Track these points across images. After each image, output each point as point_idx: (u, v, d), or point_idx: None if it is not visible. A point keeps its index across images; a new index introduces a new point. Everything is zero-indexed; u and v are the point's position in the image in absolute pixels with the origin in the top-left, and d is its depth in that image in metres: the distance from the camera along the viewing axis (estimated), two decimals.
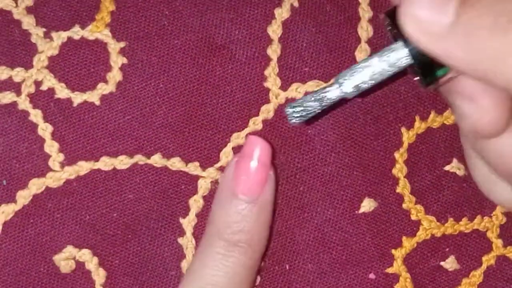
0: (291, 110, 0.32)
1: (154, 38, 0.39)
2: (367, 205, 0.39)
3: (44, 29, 0.38)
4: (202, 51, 0.39)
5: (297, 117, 0.33)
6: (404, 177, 0.40)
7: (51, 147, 0.38)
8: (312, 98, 0.32)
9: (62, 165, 0.38)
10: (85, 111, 0.38)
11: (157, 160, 0.39)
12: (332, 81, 0.33)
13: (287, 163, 0.39)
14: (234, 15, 0.39)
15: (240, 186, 0.36)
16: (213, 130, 0.39)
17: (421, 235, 0.40)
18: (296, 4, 0.39)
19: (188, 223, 0.39)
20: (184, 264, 0.39)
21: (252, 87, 0.39)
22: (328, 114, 0.39)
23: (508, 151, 0.32)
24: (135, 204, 0.38)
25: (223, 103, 0.39)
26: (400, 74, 0.32)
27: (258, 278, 0.39)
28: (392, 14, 0.30)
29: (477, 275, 0.40)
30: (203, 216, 0.39)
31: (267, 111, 0.39)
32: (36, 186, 0.38)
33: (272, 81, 0.39)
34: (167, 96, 0.39)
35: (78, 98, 0.38)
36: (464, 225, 0.40)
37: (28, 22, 0.38)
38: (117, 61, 0.39)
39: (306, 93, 0.39)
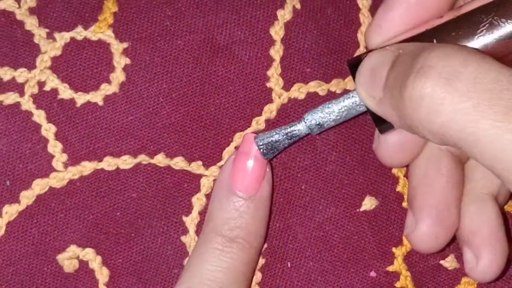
0: (261, 144, 0.36)
1: (157, 38, 0.38)
2: (368, 203, 0.39)
3: (47, 30, 0.38)
4: (205, 52, 0.38)
5: (267, 151, 0.36)
6: (404, 176, 0.40)
7: (55, 147, 0.37)
8: (280, 133, 0.36)
9: (66, 165, 0.37)
10: (88, 112, 0.38)
11: (160, 159, 0.38)
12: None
13: (289, 162, 0.39)
14: (236, 16, 0.39)
15: (237, 183, 0.36)
16: (216, 130, 0.39)
17: None
18: (298, 6, 0.39)
19: (191, 221, 0.38)
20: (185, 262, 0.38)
21: (254, 87, 0.39)
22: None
23: (416, 176, 0.36)
24: (138, 203, 0.38)
25: (226, 103, 0.39)
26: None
27: (260, 275, 0.39)
28: (355, 64, 0.34)
29: None
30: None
31: (270, 111, 0.39)
32: (39, 186, 0.37)
33: (275, 81, 0.39)
34: (170, 96, 0.38)
35: (81, 98, 0.38)
36: None
37: (31, 23, 0.38)
38: (120, 61, 0.38)
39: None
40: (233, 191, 0.36)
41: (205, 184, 0.38)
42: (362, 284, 0.39)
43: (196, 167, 0.38)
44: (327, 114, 0.35)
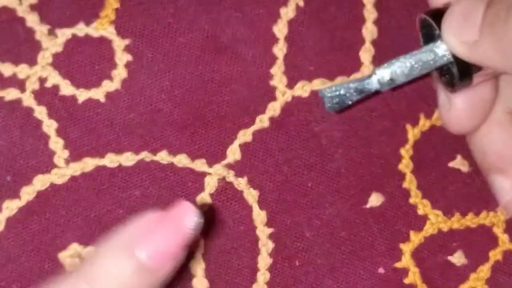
0: (328, 96, 0.35)
1: (159, 35, 0.40)
2: (375, 199, 0.40)
3: (48, 26, 0.39)
4: (208, 49, 0.40)
5: (332, 104, 0.35)
6: (411, 172, 0.41)
7: (56, 143, 0.38)
8: (348, 87, 0.35)
9: (67, 161, 0.38)
10: (90, 108, 0.39)
11: (163, 156, 0.39)
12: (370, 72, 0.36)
13: (294, 160, 0.40)
14: (240, 14, 0.40)
15: (141, 244, 0.29)
16: (219, 127, 0.40)
17: (428, 229, 0.40)
18: (301, 3, 0.41)
19: None
20: (191, 263, 0.39)
21: (258, 85, 0.40)
22: (333, 112, 0.40)
23: (484, 146, 0.36)
24: (141, 201, 0.39)
25: (229, 101, 0.40)
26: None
27: (268, 275, 0.39)
28: (434, 16, 0.34)
29: (484, 270, 0.41)
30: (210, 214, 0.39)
31: (274, 108, 0.40)
32: (40, 182, 0.38)
33: (278, 79, 0.40)
34: (173, 93, 0.39)
35: (83, 95, 0.39)
36: (470, 220, 0.41)
37: (32, 20, 0.39)
38: (122, 58, 0.39)
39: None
40: (132, 250, 0.29)
41: (209, 183, 0.39)
42: (370, 281, 0.40)
43: (199, 164, 0.39)
44: (400, 68, 0.34)
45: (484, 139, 0.37)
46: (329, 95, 0.35)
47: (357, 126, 0.41)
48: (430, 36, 0.35)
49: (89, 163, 0.38)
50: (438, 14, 0.34)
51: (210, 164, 0.40)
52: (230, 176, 0.39)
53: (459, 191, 0.41)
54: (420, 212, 0.41)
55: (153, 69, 0.39)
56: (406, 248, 0.40)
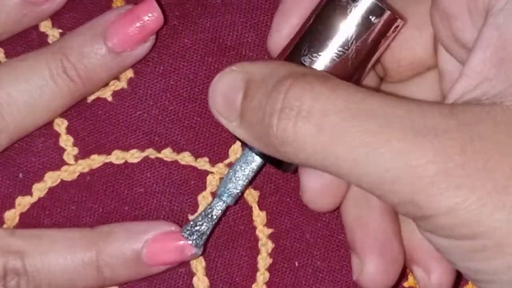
0: (189, 238, 0.39)
1: (165, 36, 0.42)
2: None
3: (60, 30, 0.42)
4: (212, 51, 0.42)
5: (197, 243, 0.39)
6: None
7: (66, 141, 0.41)
8: (201, 219, 0.39)
9: (76, 158, 0.41)
10: (98, 107, 0.42)
11: (167, 154, 0.41)
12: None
13: None
14: (244, 19, 0.42)
15: (113, 33, 0.39)
16: (222, 127, 0.41)
17: None
18: None
19: None
20: (193, 262, 0.41)
21: None
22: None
23: (349, 218, 0.38)
24: (145, 199, 0.41)
25: None
26: None
27: (268, 275, 0.41)
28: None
29: None
30: None
31: None
32: (51, 179, 0.41)
33: None
34: (178, 92, 0.42)
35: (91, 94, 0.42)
36: None
37: (45, 25, 0.42)
38: None
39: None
40: (104, 38, 0.39)
41: (211, 181, 0.41)
42: None
43: (202, 163, 0.41)
44: (234, 182, 0.38)
45: (343, 215, 0.38)
46: (189, 236, 0.39)
47: None
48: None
49: (96, 160, 0.41)
50: None
51: (213, 163, 0.42)
52: None
53: None
54: None
55: (159, 69, 0.42)
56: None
